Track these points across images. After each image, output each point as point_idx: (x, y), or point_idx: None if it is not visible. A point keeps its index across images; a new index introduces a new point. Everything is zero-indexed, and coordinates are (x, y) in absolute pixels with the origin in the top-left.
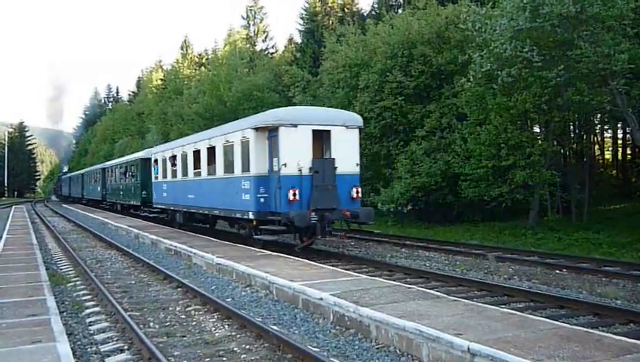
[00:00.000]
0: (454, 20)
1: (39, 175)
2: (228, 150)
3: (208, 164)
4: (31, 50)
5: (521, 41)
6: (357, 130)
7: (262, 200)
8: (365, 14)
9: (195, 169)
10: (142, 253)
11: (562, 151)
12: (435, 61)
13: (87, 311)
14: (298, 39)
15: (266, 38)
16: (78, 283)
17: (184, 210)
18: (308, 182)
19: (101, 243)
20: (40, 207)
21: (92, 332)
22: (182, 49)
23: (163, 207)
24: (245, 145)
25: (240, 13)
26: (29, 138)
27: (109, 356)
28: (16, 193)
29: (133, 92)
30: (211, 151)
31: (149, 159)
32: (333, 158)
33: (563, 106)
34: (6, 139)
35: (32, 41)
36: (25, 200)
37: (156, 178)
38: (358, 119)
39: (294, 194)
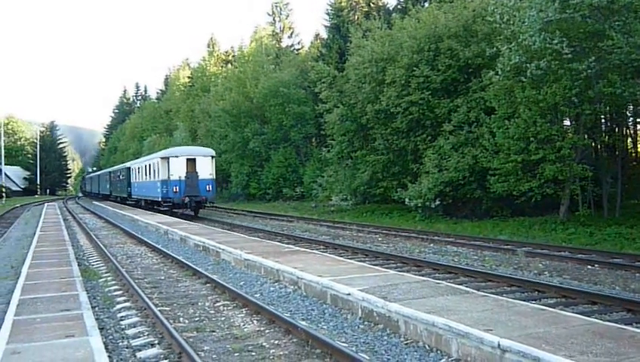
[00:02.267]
0: (482, 13)
1: (70, 173)
2: (153, 167)
3: (150, 173)
4: (59, 48)
5: (551, 32)
6: (210, 157)
7: (164, 191)
8: (391, 8)
9: (145, 175)
10: (171, 249)
11: (593, 144)
12: (463, 55)
13: (119, 306)
14: (324, 35)
15: (291, 34)
16: (109, 278)
17: (143, 199)
18: (184, 183)
19: (131, 240)
20: (71, 204)
21: (123, 326)
22: (208, 47)
23: (136, 198)
24: (157, 165)
25: (266, 10)
26: (59, 137)
27: (140, 350)
28: (48, 191)
29: (161, 90)
30: (149, 166)
31: (130, 168)
32: (197, 171)
33: (594, 99)
34: (38, 138)
35: (59, 40)
36: (57, 197)
37: (133, 180)
38: (211, 152)
39: (176, 189)
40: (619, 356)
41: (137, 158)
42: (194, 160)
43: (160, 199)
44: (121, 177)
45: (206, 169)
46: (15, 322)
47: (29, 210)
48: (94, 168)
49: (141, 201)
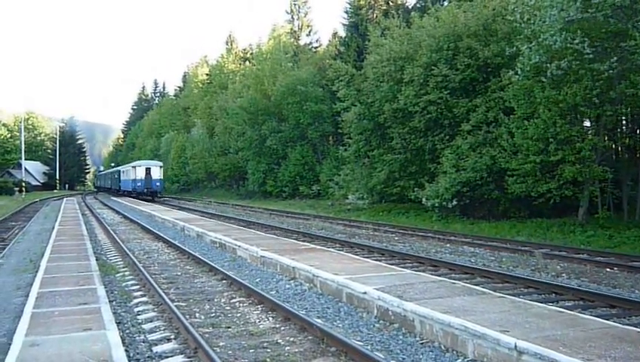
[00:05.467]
0: (502, 12)
1: (89, 168)
2: (128, 171)
3: (127, 175)
4: (77, 44)
5: (572, 32)
6: (159, 167)
7: (133, 185)
8: (410, 7)
9: (125, 176)
10: (188, 245)
11: (614, 146)
12: (482, 54)
13: (135, 300)
14: (342, 33)
15: (310, 32)
16: (126, 273)
17: (126, 190)
18: (143, 181)
19: (148, 236)
20: (90, 199)
21: (140, 321)
22: (227, 44)
23: (123, 190)
24: (130, 170)
25: (284, 8)
26: (78, 132)
27: (156, 345)
28: (67, 186)
29: (179, 87)
30: (126, 171)
31: (120, 170)
32: (151, 175)
33: (615, 100)
34: (57, 133)
35: (78, 36)
36: (76, 192)
37: (125, 178)
38: (160, 163)
39: (140, 184)
40: (638, 360)
41: (136, 161)
42: (149, 168)
43: (131, 190)
44: (116, 176)
45: (156, 173)
46: (34, 314)
47: (48, 205)
48: (112, 164)
49: (124, 192)
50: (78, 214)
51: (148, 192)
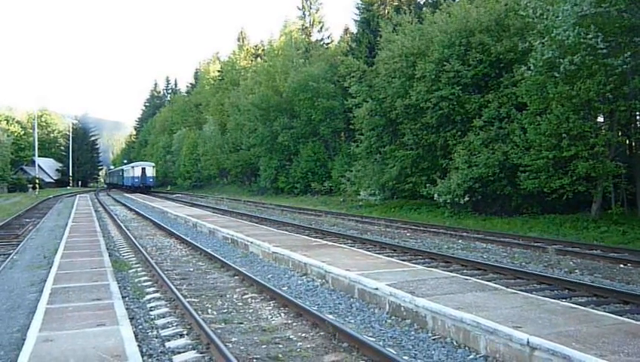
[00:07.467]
0: (514, 7)
1: (101, 165)
2: (128, 170)
3: (128, 173)
4: (89, 41)
5: (585, 27)
6: (152, 167)
7: (132, 181)
8: (422, 3)
9: (127, 174)
10: (200, 241)
11: (627, 141)
12: (494, 49)
13: (148, 296)
14: (354, 29)
15: (321, 28)
16: (139, 269)
17: (127, 185)
18: (139, 178)
19: (161, 232)
20: (102, 196)
21: (153, 317)
22: (238, 40)
23: (126, 185)
24: (130, 169)
25: (295, 4)
26: (91, 129)
27: (169, 340)
28: (80, 183)
29: (191, 84)
30: (128, 170)
31: (123, 169)
32: (146, 173)
33: (629, 95)
34: (70, 130)
35: (90, 33)
36: (88, 189)
37: (126, 176)
38: (152, 164)
39: (137, 180)
40: None
41: (137, 161)
42: (144, 168)
43: (130, 185)
44: (120, 174)
45: (150, 172)
46: (48, 310)
47: (62, 202)
48: (124, 161)
49: (126, 187)
50: (91, 211)
51: (143, 187)
